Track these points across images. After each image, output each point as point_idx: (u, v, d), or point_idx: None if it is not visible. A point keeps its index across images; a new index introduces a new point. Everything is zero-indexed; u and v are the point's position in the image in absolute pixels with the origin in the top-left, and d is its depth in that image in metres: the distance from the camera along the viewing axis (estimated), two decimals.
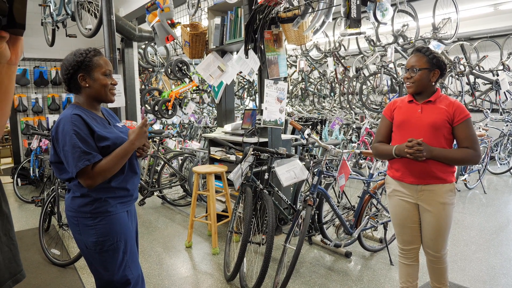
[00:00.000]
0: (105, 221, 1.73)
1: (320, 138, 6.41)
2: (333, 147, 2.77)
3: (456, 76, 6.56)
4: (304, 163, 2.78)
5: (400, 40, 6.07)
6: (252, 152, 2.96)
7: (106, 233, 1.72)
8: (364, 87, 7.02)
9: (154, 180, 4.98)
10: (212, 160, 4.33)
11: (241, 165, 2.90)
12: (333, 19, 6.00)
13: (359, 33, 2.82)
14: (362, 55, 7.60)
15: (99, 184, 1.67)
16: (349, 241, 3.44)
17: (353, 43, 7.70)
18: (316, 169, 2.84)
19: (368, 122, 6.34)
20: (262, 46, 3.58)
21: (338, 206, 3.63)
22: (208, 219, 3.87)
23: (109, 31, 3.79)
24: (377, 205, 3.46)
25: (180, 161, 5.37)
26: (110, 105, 3.88)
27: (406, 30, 6.15)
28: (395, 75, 6.30)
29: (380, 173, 3.40)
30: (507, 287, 2.96)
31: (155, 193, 4.96)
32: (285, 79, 3.86)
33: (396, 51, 6.13)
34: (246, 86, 9.84)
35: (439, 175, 2.13)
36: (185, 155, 5.29)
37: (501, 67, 7.13)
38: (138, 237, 2.04)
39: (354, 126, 6.89)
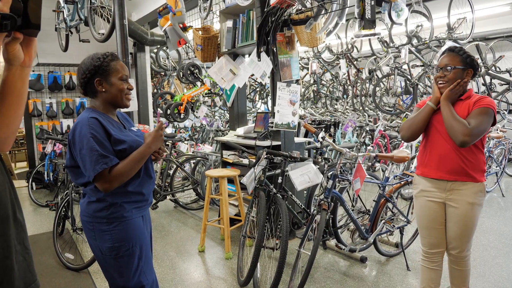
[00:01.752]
0: (121, 226, 1.71)
1: (334, 141, 6.34)
2: (348, 150, 2.72)
3: None
4: (318, 166, 2.74)
5: (414, 41, 5.97)
6: (266, 156, 2.93)
7: (121, 238, 1.71)
8: (377, 89, 6.93)
9: (166, 184, 4.98)
10: (225, 164, 4.30)
11: (254, 169, 2.87)
12: (345, 20, 5.94)
13: (374, 34, 2.77)
14: (375, 57, 7.51)
15: (115, 188, 1.66)
16: (364, 245, 3.37)
17: (366, 45, 7.61)
18: (331, 173, 2.79)
19: (382, 124, 6.24)
20: (274, 49, 3.55)
21: (353, 210, 3.56)
22: (221, 223, 3.85)
23: (121, 35, 3.81)
24: (393, 209, 3.39)
25: (193, 165, 5.36)
26: (123, 109, 3.89)
27: (420, 31, 6.05)
28: (409, 77, 6.20)
29: (396, 176, 3.33)
30: None
31: (168, 197, 4.95)
32: (297, 81, 3.82)
33: (410, 52, 6.03)
34: (257, 89, 9.81)
35: (469, 173, 2.12)
36: (198, 158, 5.29)
37: None
38: (152, 242, 2.03)
39: (367, 129, 6.80)
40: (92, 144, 1.60)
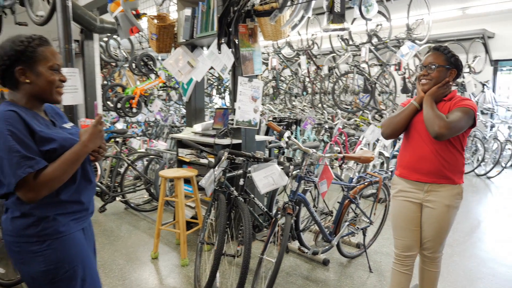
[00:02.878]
0: (56, 244, 1.41)
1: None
2: (314, 151, 2.57)
3: None
4: (282, 167, 2.57)
5: (374, 40, 6.00)
6: (227, 156, 2.71)
7: (58, 259, 1.41)
8: (336, 86, 6.92)
9: (116, 184, 4.61)
10: (181, 163, 4.03)
11: (214, 171, 2.64)
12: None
13: (343, 29, 2.63)
14: (333, 54, 7.51)
15: (44, 198, 1.35)
16: (327, 247, 3.27)
17: (326, 42, 7.59)
18: (296, 175, 2.63)
19: (341, 122, 6.23)
20: (236, 41, 3.33)
21: (315, 211, 3.45)
22: (177, 227, 3.58)
23: (64, 18, 3.39)
24: (356, 210, 3.31)
25: (146, 163, 5.01)
26: (65, 101, 3.48)
27: (380, 30, 6.08)
28: (367, 75, 6.23)
29: (360, 177, 3.24)
30: None
31: (118, 198, 4.58)
32: (257, 76, 3.63)
33: (370, 51, 6.05)
34: (215, 84, 9.53)
35: (447, 175, 2.09)
36: (151, 156, 4.94)
37: (467, 70, 7.26)
38: (96, 253, 1.74)
39: (326, 126, 6.78)
40: (11, 144, 1.28)
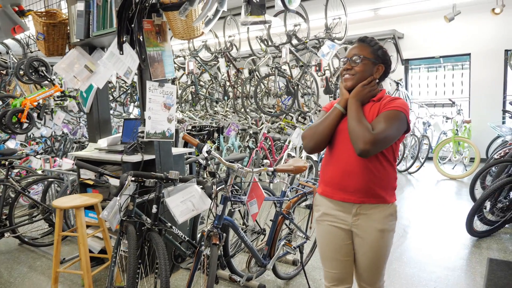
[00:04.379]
0: None
1: (218, 148, 5.79)
2: (240, 166, 2.16)
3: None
4: (203, 187, 2.13)
5: (294, 41, 5.82)
6: (133, 179, 2.19)
7: None
8: (258, 89, 6.64)
9: (4, 217, 3.76)
10: (84, 186, 3.37)
11: (118, 199, 2.10)
12: (222, 17, 5.48)
13: (264, 22, 2.28)
14: (253, 57, 7.25)
15: None
16: (262, 271, 2.90)
17: (245, 45, 7.30)
18: (221, 195, 2.20)
19: (266, 126, 5.95)
20: (141, 38, 2.80)
21: (245, 231, 3.05)
22: (81, 266, 2.93)
23: None
24: (290, 225, 2.98)
25: (44, 188, 4.20)
26: None
27: (299, 31, 5.94)
28: (290, 77, 6.04)
29: (292, 189, 2.92)
30: None
31: (7, 234, 3.73)
32: (173, 81, 3.14)
33: (290, 52, 5.87)
34: (128, 91, 8.71)
35: (378, 193, 1.72)
36: (50, 179, 4.15)
37: None
38: None
39: (251, 132, 6.48)
40: None
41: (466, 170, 6.37)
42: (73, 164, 4.23)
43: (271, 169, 2.32)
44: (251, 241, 2.82)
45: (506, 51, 6.98)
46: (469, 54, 7.47)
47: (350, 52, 1.80)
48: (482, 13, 7.02)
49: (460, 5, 6.65)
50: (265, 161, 2.59)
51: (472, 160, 6.63)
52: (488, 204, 3.80)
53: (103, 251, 3.19)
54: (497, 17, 6.74)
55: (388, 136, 1.63)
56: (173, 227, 2.35)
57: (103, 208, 2.35)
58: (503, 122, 7.13)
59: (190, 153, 3.71)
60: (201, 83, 8.28)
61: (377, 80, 1.80)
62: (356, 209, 1.75)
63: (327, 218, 1.83)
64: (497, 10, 6.54)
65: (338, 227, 1.81)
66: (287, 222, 2.89)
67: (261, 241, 3.07)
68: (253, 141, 6.53)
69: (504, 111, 5.32)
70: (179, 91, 8.21)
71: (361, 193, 1.72)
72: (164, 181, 2.19)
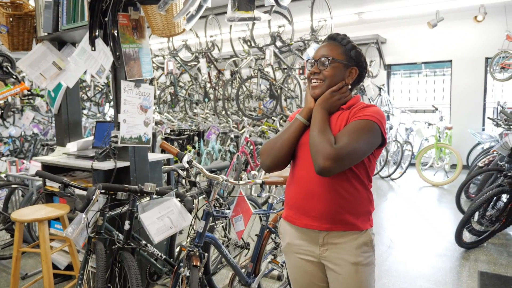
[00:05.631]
0: None
1: (198, 154, 5.53)
2: (225, 178, 1.94)
3: None
4: (183, 201, 1.90)
5: (278, 43, 5.65)
6: (103, 191, 1.93)
7: None
8: (240, 91, 6.42)
9: None
10: (50, 195, 3.06)
11: (85, 216, 1.84)
12: (203, 16, 5.25)
13: (253, 18, 2.08)
14: (235, 58, 7.03)
15: None
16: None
17: (227, 46, 7.08)
18: (203, 210, 1.97)
19: (248, 130, 5.74)
20: (115, 33, 2.54)
21: (227, 246, 2.83)
22: (44, 286, 2.63)
23: None
24: (276, 239, 2.78)
25: (5, 195, 3.85)
26: None
27: (283, 33, 5.77)
28: (273, 80, 5.86)
29: (280, 199, 2.72)
30: None
31: None
32: (151, 82, 2.88)
33: (274, 54, 5.69)
34: (104, 90, 8.34)
35: (348, 219, 1.44)
36: (12, 186, 3.81)
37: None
38: None
39: (232, 136, 6.25)
40: None
41: (448, 177, 6.34)
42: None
43: (259, 181, 2.10)
44: (234, 257, 2.60)
45: (487, 58, 7.03)
46: (450, 61, 7.49)
47: (318, 52, 1.52)
48: (464, 20, 7.05)
49: (444, 11, 6.64)
50: (252, 172, 2.37)
51: (453, 166, 6.62)
52: (476, 215, 3.71)
53: (70, 266, 2.90)
54: (479, 25, 6.78)
55: (354, 151, 1.35)
56: (148, 245, 2.10)
57: (70, 220, 2.08)
58: (483, 129, 7.18)
59: (168, 160, 3.45)
60: (181, 84, 8.00)
61: (350, 86, 1.52)
62: (323, 238, 1.47)
63: (293, 250, 1.57)
64: (479, 17, 6.57)
65: (306, 260, 1.54)
66: (273, 236, 2.69)
67: (245, 256, 2.86)
68: (234, 145, 6.31)
69: (489, 118, 5.30)
70: (157, 92, 7.91)
71: (327, 219, 1.45)
72: (139, 194, 1.94)
